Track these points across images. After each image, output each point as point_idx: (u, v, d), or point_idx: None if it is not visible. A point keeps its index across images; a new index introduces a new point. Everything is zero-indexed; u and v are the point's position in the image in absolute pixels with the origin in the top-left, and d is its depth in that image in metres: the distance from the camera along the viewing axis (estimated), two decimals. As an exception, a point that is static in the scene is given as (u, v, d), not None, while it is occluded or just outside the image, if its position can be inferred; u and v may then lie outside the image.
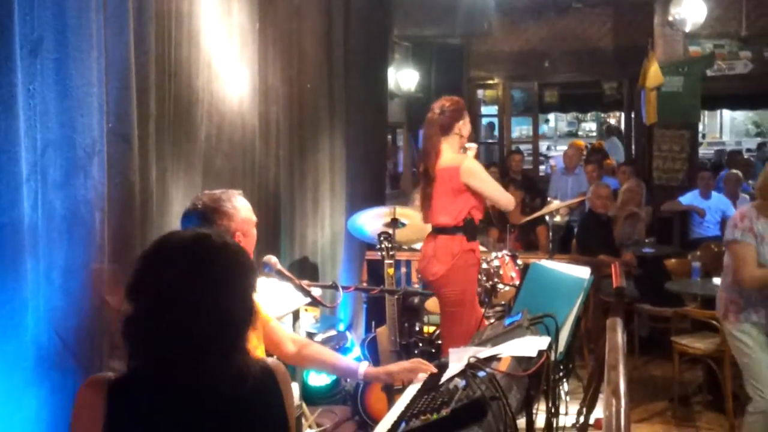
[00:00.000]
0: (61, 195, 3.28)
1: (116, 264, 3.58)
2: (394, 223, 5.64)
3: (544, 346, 3.06)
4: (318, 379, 5.51)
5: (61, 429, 3.27)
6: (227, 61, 4.91)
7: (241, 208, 3.34)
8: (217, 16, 4.77)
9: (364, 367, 3.49)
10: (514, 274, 6.01)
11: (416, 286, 6.76)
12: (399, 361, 4.66)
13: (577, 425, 4.84)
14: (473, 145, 5.40)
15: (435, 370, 3.37)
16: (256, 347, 3.39)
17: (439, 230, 5.13)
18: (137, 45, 3.74)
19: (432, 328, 6.24)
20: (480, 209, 5.18)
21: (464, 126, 5.27)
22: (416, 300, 6.33)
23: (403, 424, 2.64)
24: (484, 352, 3.03)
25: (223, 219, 3.25)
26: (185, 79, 4.38)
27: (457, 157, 5.16)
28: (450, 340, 4.88)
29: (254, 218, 3.42)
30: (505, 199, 5.27)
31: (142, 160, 3.80)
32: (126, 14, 3.63)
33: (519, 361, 2.97)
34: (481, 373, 2.75)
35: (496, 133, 15.01)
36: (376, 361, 5.24)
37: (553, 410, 3.71)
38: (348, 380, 5.71)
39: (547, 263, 4.20)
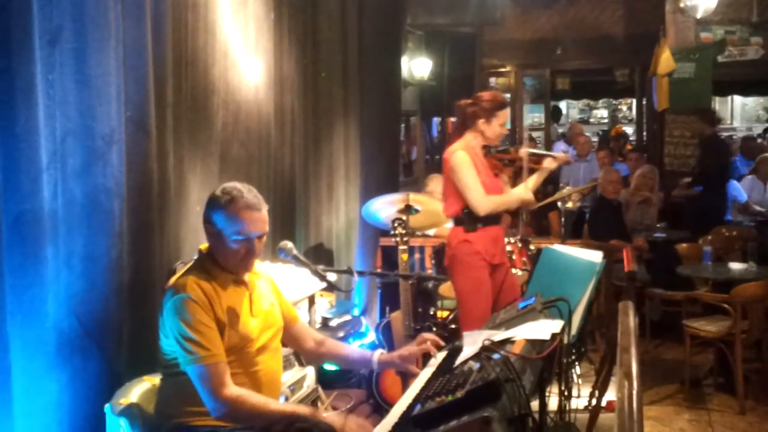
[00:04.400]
0: (81, 183, 3.33)
1: (135, 251, 3.64)
2: (408, 209, 5.67)
3: (558, 330, 3.09)
4: (333, 364, 5.56)
5: (82, 413, 3.33)
6: (243, 50, 4.94)
7: (245, 217, 3.23)
8: (233, 5, 4.80)
9: (377, 355, 3.55)
10: (525, 260, 6.05)
11: (430, 271, 6.80)
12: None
13: (589, 408, 4.88)
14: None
15: (440, 342, 3.44)
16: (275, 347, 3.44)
17: (454, 221, 5.16)
18: (154, 35, 3.79)
19: (446, 313, 6.28)
20: None
21: (488, 126, 5.08)
22: (430, 285, 6.36)
23: (419, 406, 2.68)
24: (499, 335, 3.07)
25: (222, 213, 3.23)
26: (202, 68, 4.42)
27: (452, 147, 5.08)
28: (463, 326, 4.94)
29: (259, 229, 3.26)
30: (475, 202, 5.02)
31: (159, 149, 3.85)
32: (143, 4, 3.67)
33: (533, 344, 3.01)
34: (496, 356, 2.79)
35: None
36: (390, 346, 5.29)
37: (565, 393, 3.75)
38: (363, 365, 5.76)
39: (559, 248, 4.23)
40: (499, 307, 5.07)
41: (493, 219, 5.15)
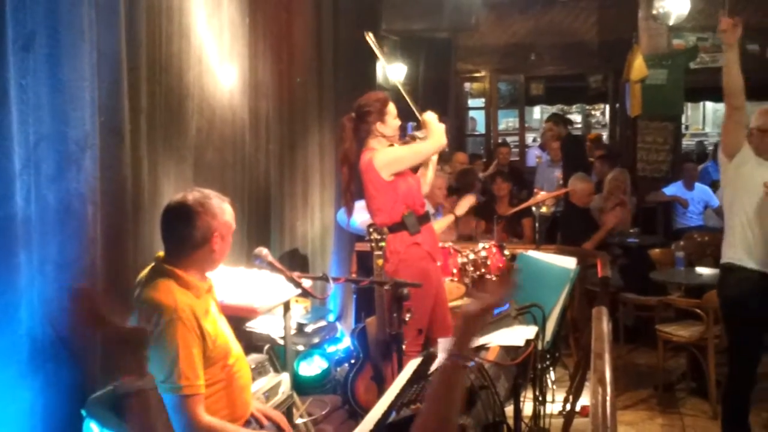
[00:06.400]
0: (54, 188, 3.31)
1: (109, 256, 3.62)
2: (383, 214, 5.67)
3: (531, 336, 3.12)
4: (308, 369, 5.56)
5: (56, 420, 3.31)
6: (218, 55, 4.94)
7: (226, 211, 3.35)
8: (208, 10, 4.80)
9: None
10: (501, 265, 6.06)
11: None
12: (387, 351, 4.71)
13: (564, 412, 4.92)
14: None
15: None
16: None
17: (388, 229, 5.13)
18: (129, 40, 3.78)
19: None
20: (417, 200, 5.11)
21: (385, 126, 5.09)
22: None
23: (393, 413, 2.68)
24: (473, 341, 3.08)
25: (207, 215, 3.27)
26: (176, 74, 4.41)
27: (366, 155, 5.06)
28: (408, 334, 4.75)
29: (234, 226, 3.41)
30: (431, 144, 5.11)
31: (133, 154, 3.84)
32: (117, 9, 3.66)
33: (507, 350, 3.03)
34: (470, 363, 2.80)
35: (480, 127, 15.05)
36: (365, 351, 5.29)
37: (540, 398, 3.78)
38: (338, 369, 5.75)
39: (534, 254, 4.26)
40: (438, 302, 5.10)
41: (426, 216, 5.18)
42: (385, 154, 5.02)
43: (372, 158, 5.00)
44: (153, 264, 3.35)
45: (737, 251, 4.92)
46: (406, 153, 5.09)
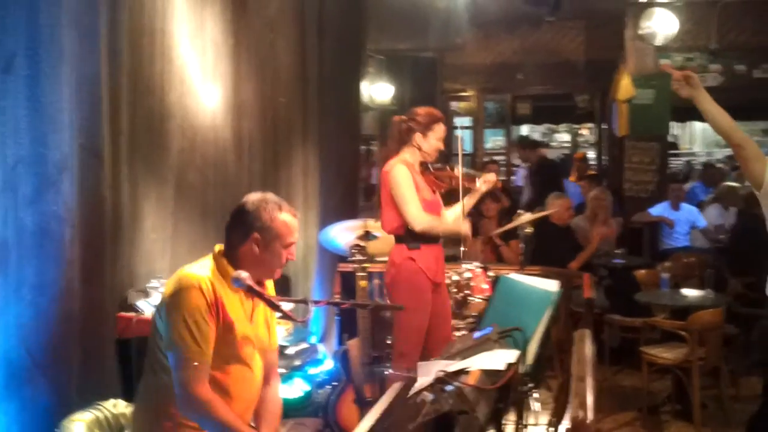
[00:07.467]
0: (32, 211, 3.29)
1: (86, 279, 3.59)
2: (367, 235, 5.65)
3: (512, 359, 3.09)
4: (290, 392, 5.53)
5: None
6: (200, 76, 4.92)
7: (277, 219, 3.25)
8: (191, 31, 4.78)
9: None
10: (485, 286, 6.03)
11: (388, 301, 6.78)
12: (371, 373, 4.69)
13: (547, 436, 4.88)
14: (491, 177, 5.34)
15: None
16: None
17: (395, 239, 5.13)
18: (110, 61, 3.76)
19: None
20: None
21: (424, 140, 5.09)
22: (388, 313, 6.35)
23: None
24: (453, 365, 3.06)
25: (252, 215, 3.20)
26: (158, 95, 4.39)
27: (393, 162, 5.07)
28: (396, 341, 4.95)
29: (289, 239, 3.30)
30: (411, 216, 4.96)
31: (113, 176, 3.82)
32: (98, 31, 3.65)
33: (487, 374, 3.00)
34: (449, 387, 2.78)
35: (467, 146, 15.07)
36: (348, 374, 5.26)
37: (521, 422, 3.75)
38: (320, 392, 5.72)
39: (516, 277, 4.23)
40: (433, 326, 5.07)
41: (434, 237, 5.14)
42: (399, 176, 5.00)
43: (394, 166, 5.02)
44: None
45: None
46: (405, 194, 5.00)
